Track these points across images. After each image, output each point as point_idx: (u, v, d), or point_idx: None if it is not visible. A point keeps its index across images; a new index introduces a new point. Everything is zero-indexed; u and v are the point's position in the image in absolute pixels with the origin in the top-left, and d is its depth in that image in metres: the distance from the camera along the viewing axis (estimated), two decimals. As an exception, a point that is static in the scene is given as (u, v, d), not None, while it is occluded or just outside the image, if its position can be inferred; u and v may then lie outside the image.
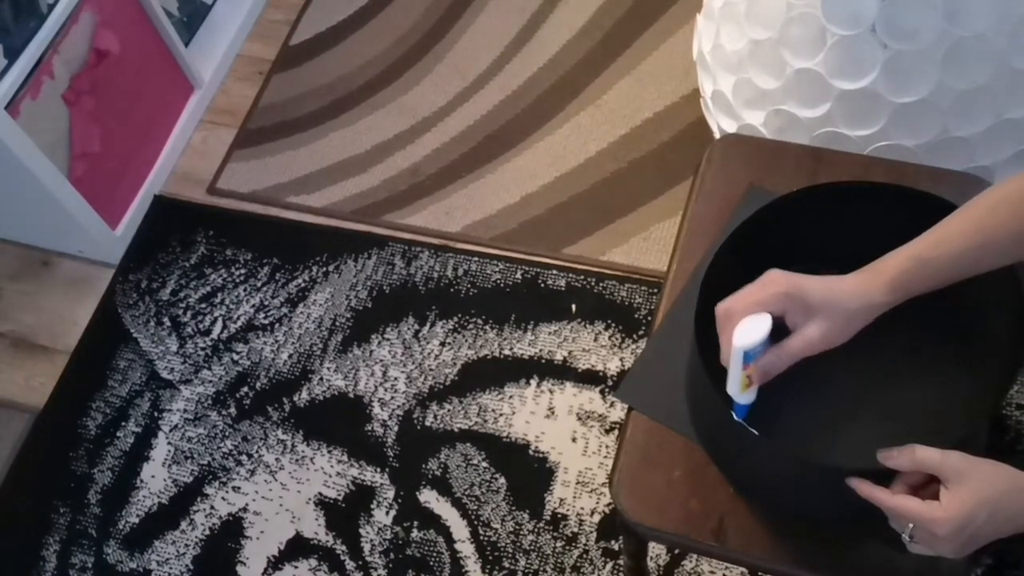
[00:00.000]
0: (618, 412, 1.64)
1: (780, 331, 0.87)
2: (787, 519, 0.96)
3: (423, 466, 1.63)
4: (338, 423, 1.69)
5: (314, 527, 1.61)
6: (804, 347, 0.86)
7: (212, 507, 1.65)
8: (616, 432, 1.62)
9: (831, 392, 0.99)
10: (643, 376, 1.07)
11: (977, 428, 0.90)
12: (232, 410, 1.73)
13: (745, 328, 0.85)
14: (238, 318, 1.83)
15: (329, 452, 1.67)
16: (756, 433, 0.88)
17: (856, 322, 0.86)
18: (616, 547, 1.52)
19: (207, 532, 1.63)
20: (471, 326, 1.76)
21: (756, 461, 0.95)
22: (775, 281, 0.86)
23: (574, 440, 1.62)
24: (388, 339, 1.77)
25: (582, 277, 1.78)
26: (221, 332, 1.82)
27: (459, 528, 1.58)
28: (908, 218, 0.88)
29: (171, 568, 1.60)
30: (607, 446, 1.61)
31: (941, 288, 0.85)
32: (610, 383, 1.67)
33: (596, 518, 1.55)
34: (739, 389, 0.88)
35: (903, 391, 0.98)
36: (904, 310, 0.91)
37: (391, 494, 1.62)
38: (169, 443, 1.72)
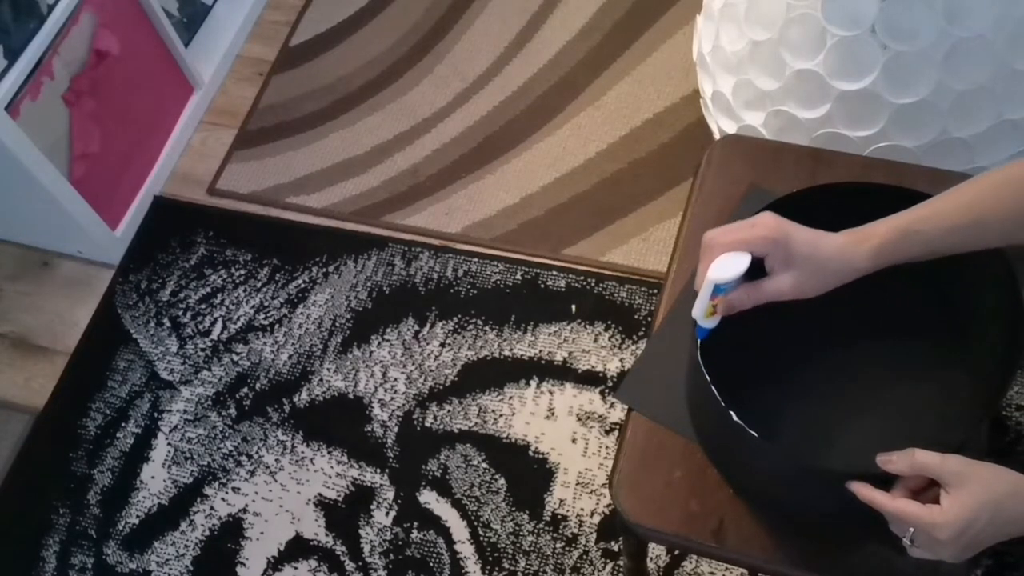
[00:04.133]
0: (618, 413, 1.64)
1: (756, 265, 0.89)
2: (787, 521, 0.96)
3: (423, 467, 1.63)
4: (338, 424, 1.69)
5: (314, 528, 1.61)
6: (775, 294, 0.88)
7: (212, 508, 1.65)
8: (616, 433, 1.62)
9: (831, 394, 0.99)
10: (643, 377, 1.07)
11: (977, 429, 0.90)
12: (232, 411, 1.73)
13: (723, 263, 0.87)
14: (238, 319, 1.83)
15: (329, 453, 1.67)
16: (756, 435, 0.88)
17: (831, 281, 0.87)
18: (616, 548, 1.52)
19: (207, 533, 1.63)
20: (471, 327, 1.76)
21: (756, 463, 0.94)
22: (766, 224, 0.87)
23: (574, 441, 1.62)
24: (388, 340, 1.76)
25: (582, 278, 1.78)
26: (221, 333, 1.82)
27: (459, 529, 1.58)
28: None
29: (171, 569, 1.60)
30: (607, 447, 1.61)
31: (928, 260, 0.86)
32: (610, 384, 1.66)
33: (596, 519, 1.55)
34: (703, 315, 0.90)
35: (902, 392, 0.98)
36: (904, 312, 0.91)
37: (391, 495, 1.62)
38: (169, 444, 1.72)
